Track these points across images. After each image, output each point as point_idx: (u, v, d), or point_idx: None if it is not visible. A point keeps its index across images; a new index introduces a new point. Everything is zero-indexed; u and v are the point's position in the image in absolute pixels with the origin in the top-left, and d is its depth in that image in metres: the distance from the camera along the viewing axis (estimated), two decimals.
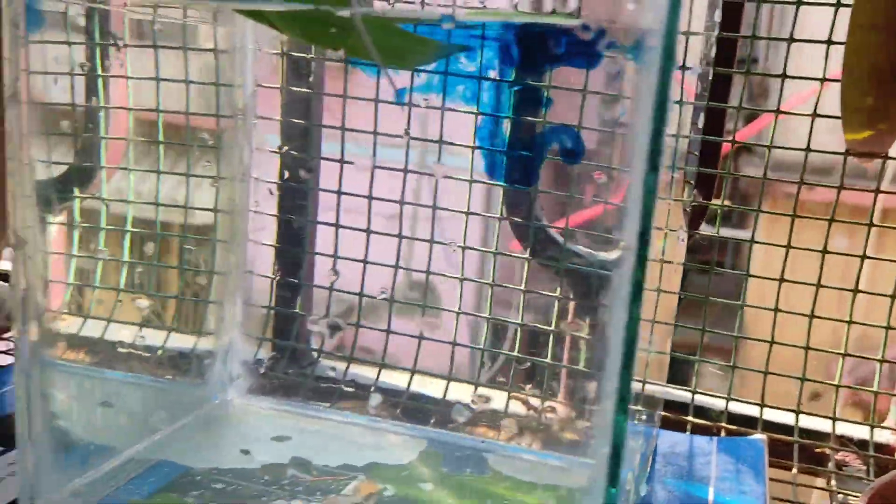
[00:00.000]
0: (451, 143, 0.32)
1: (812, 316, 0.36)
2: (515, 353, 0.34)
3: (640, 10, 0.18)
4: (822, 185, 0.36)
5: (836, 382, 0.36)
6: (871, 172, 0.35)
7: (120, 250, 0.34)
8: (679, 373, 0.40)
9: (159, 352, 0.33)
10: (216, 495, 0.27)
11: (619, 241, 0.22)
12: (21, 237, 0.24)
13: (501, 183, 0.30)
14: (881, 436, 0.36)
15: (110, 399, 0.30)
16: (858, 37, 0.31)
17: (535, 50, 0.25)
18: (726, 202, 0.40)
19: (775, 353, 0.37)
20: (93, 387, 0.30)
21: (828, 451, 0.35)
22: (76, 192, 0.34)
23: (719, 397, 0.38)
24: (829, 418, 0.36)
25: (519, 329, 0.34)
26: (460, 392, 0.35)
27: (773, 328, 0.37)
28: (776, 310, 0.36)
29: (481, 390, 0.33)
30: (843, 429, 0.37)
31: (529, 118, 0.28)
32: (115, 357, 0.31)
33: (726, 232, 0.39)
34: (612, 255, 0.30)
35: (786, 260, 0.36)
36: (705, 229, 0.39)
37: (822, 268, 0.35)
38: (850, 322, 0.35)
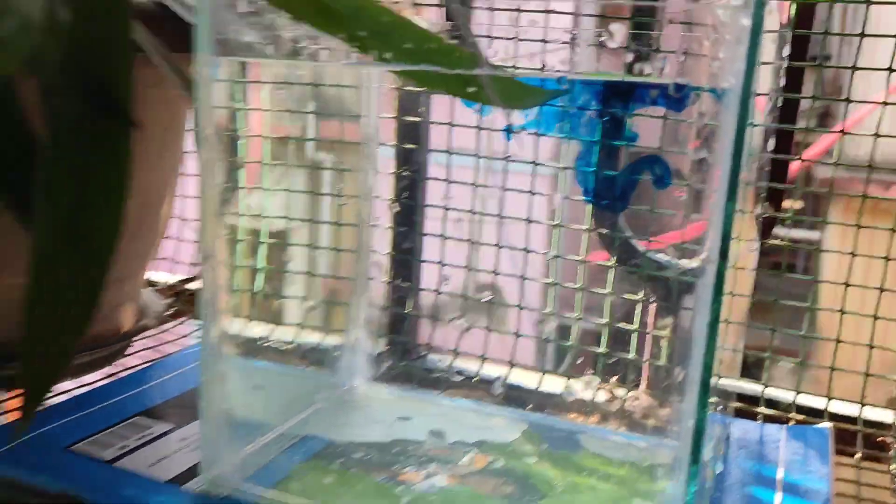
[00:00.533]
0: (545, 165, 0.37)
1: (875, 317, 0.39)
2: (603, 350, 0.38)
3: (723, 72, 0.22)
4: (889, 199, 0.40)
5: None
6: None
7: (255, 259, 0.40)
8: (748, 373, 0.44)
9: (291, 345, 0.39)
10: (356, 463, 0.32)
11: (699, 253, 0.26)
12: (208, 251, 0.30)
13: (597, 204, 0.35)
14: None
15: (262, 384, 0.36)
16: None
17: (627, 97, 0.30)
18: (796, 204, 0.43)
19: (846, 352, 0.40)
20: (247, 374, 0.36)
21: (889, 439, 0.39)
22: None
23: (788, 390, 0.42)
24: (892, 409, 0.40)
25: (606, 327, 0.38)
26: (553, 381, 0.40)
27: (839, 328, 0.40)
28: (842, 311, 0.40)
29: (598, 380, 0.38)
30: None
31: (618, 144, 0.33)
32: (262, 350, 0.37)
33: (799, 233, 0.43)
34: (693, 263, 0.34)
35: (850, 267, 0.39)
36: (778, 230, 0.42)
37: (885, 273, 0.39)
38: None
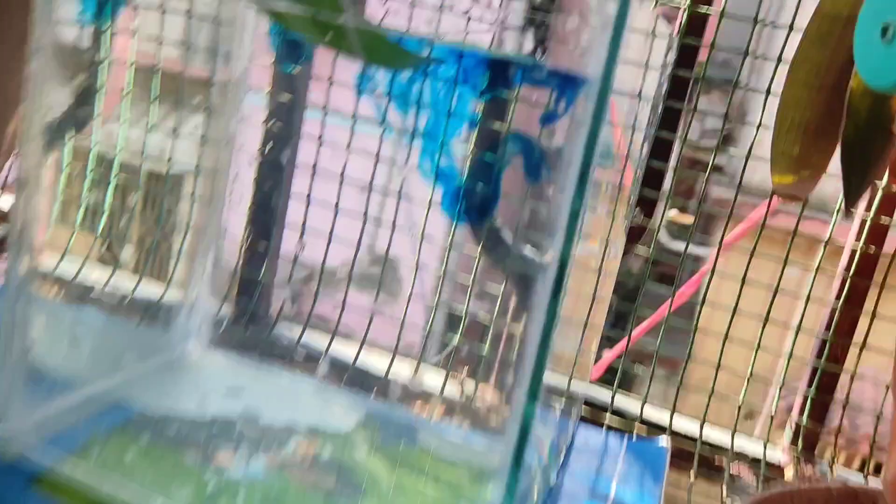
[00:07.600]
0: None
1: (726, 338, 0.40)
2: (457, 341, 0.37)
3: (587, 61, 0.21)
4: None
5: (739, 401, 0.40)
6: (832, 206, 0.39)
7: (104, 195, 0.36)
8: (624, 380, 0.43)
9: (122, 295, 0.36)
10: (166, 441, 0.29)
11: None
12: (25, 176, 0.26)
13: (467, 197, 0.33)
14: (774, 456, 0.40)
15: (80, 337, 0.32)
16: (793, 91, 0.35)
17: (498, 73, 0.28)
18: (686, 218, 0.43)
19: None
20: (64, 323, 0.32)
21: (725, 462, 0.39)
22: (69, 136, 0.36)
23: (635, 398, 0.42)
24: (730, 431, 0.40)
25: (465, 317, 0.37)
26: (402, 368, 0.38)
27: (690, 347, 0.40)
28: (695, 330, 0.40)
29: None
30: (742, 444, 0.41)
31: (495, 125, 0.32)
32: (88, 298, 0.34)
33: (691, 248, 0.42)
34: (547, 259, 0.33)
35: (739, 294, 0.40)
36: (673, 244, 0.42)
37: (739, 295, 0.39)
38: (757, 348, 0.40)
